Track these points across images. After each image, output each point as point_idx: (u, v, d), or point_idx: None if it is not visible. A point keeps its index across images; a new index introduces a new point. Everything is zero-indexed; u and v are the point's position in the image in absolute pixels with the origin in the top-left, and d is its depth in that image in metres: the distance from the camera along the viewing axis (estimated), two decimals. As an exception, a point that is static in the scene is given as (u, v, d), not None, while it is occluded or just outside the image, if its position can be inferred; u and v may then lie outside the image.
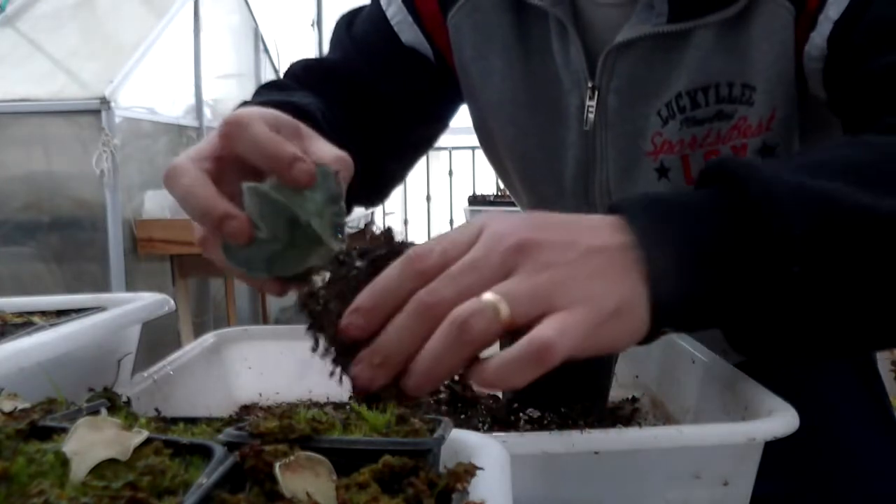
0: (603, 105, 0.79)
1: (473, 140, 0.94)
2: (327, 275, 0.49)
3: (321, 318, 0.47)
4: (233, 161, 0.54)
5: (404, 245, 0.49)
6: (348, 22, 0.91)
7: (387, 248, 0.48)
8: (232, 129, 0.52)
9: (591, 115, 0.79)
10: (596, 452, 0.50)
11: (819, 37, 0.69)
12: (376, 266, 0.47)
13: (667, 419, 0.71)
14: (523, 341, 0.42)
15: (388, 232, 0.50)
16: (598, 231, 0.47)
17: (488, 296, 0.43)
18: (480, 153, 0.98)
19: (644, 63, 0.76)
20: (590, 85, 0.79)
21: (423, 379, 0.44)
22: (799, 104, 0.74)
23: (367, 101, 0.87)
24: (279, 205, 0.51)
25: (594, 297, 0.44)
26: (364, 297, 0.45)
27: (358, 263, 0.48)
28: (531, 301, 0.43)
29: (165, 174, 0.53)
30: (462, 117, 0.99)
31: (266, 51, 4.11)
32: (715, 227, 0.48)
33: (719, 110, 0.75)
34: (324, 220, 0.52)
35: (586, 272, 0.45)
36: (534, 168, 0.87)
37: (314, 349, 0.48)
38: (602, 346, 0.45)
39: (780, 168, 0.49)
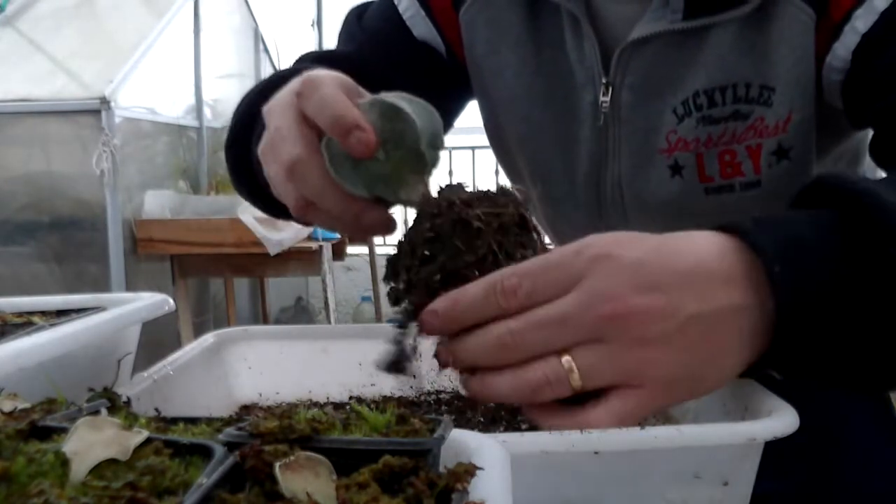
0: (617, 101, 0.78)
1: (473, 140, 0.95)
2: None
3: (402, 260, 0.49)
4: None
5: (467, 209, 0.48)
6: (358, 15, 0.91)
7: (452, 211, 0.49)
8: (304, 88, 0.52)
9: (605, 111, 0.79)
10: (596, 452, 0.50)
11: (843, 48, 0.68)
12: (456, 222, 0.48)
13: (667, 419, 0.71)
14: (577, 418, 0.44)
15: (441, 200, 0.50)
16: (717, 289, 0.44)
17: (567, 363, 0.43)
18: (480, 153, 0.98)
19: (659, 60, 0.76)
20: (604, 81, 0.78)
21: (483, 398, 0.47)
22: (816, 108, 0.73)
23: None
24: (410, 122, 0.51)
25: (677, 376, 0.44)
26: (443, 305, 0.45)
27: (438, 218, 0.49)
28: (609, 378, 0.43)
29: (304, 82, 0.53)
30: (462, 118, 0.99)
31: (266, 51, 4.11)
32: (854, 275, 0.45)
33: (736, 110, 0.75)
34: (405, 169, 0.53)
35: (680, 346, 0.43)
36: (545, 164, 0.87)
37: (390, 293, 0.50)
38: (665, 408, 0.46)
39: None
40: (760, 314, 0.45)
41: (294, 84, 0.53)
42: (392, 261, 0.50)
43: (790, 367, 0.47)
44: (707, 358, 0.45)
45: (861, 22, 0.66)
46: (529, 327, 0.43)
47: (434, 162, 0.53)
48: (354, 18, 0.91)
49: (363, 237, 0.56)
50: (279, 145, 0.53)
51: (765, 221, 0.47)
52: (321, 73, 0.53)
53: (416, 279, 0.47)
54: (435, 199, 0.50)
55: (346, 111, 0.51)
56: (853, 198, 0.47)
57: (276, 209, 0.69)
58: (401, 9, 0.87)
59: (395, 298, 0.50)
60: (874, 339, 0.45)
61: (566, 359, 0.43)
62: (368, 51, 0.87)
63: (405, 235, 0.51)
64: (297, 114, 0.53)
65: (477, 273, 0.46)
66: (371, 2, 0.92)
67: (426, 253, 0.48)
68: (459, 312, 0.45)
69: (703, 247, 0.46)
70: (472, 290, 0.45)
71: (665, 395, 0.45)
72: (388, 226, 0.54)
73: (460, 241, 0.48)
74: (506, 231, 0.48)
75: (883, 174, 0.64)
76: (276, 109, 0.55)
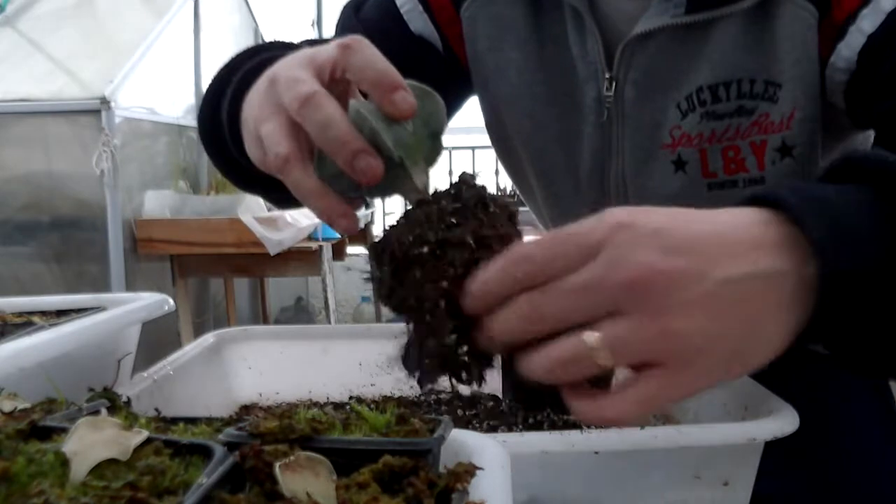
0: (620, 97, 0.78)
1: (473, 140, 0.94)
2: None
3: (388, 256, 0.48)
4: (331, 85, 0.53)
5: (481, 200, 0.49)
6: (356, 7, 0.91)
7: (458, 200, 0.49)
8: (353, 43, 0.52)
9: (608, 107, 0.79)
10: (596, 452, 0.50)
11: (848, 49, 0.68)
12: (456, 214, 0.48)
13: (667, 419, 0.71)
14: (597, 402, 0.42)
15: (460, 181, 0.50)
16: (746, 253, 0.42)
17: (592, 340, 0.41)
18: (480, 153, 0.98)
19: (663, 55, 0.76)
20: (607, 76, 0.78)
21: (531, 374, 0.44)
22: (821, 107, 0.73)
23: None
24: (440, 105, 0.53)
25: (708, 350, 0.41)
26: (474, 286, 0.44)
27: (444, 203, 0.49)
28: (637, 355, 0.41)
29: (353, 39, 0.53)
30: (462, 118, 0.99)
31: (266, 51, 4.11)
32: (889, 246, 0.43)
33: (740, 106, 0.75)
34: (420, 152, 0.53)
35: (710, 315, 0.41)
36: (549, 161, 0.87)
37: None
38: (697, 393, 0.43)
39: None
40: (798, 281, 0.43)
41: (338, 41, 0.53)
42: (412, 223, 0.48)
43: (834, 338, 0.45)
44: (745, 328, 0.42)
45: (867, 22, 0.66)
46: (549, 297, 0.42)
47: (430, 159, 0.54)
48: (352, 11, 0.91)
49: (341, 193, 0.53)
50: (290, 87, 0.51)
51: (796, 190, 0.45)
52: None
53: (450, 237, 0.47)
54: (454, 182, 0.51)
55: (394, 71, 0.51)
56: (886, 170, 0.45)
57: (245, 175, 0.68)
58: (398, 3, 0.87)
59: (408, 263, 0.48)
60: None
61: (589, 333, 0.41)
62: None
63: (420, 210, 0.49)
64: (316, 70, 0.52)
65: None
66: None
67: (453, 221, 0.48)
68: (486, 285, 0.44)
69: (731, 214, 0.45)
70: (495, 263, 0.44)
71: (696, 373, 0.42)
72: (377, 176, 0.50)
73: (483, 216, 0.48)
74: (514, 223, 0.49)
75: None
76: (288, 67, 0.53)
